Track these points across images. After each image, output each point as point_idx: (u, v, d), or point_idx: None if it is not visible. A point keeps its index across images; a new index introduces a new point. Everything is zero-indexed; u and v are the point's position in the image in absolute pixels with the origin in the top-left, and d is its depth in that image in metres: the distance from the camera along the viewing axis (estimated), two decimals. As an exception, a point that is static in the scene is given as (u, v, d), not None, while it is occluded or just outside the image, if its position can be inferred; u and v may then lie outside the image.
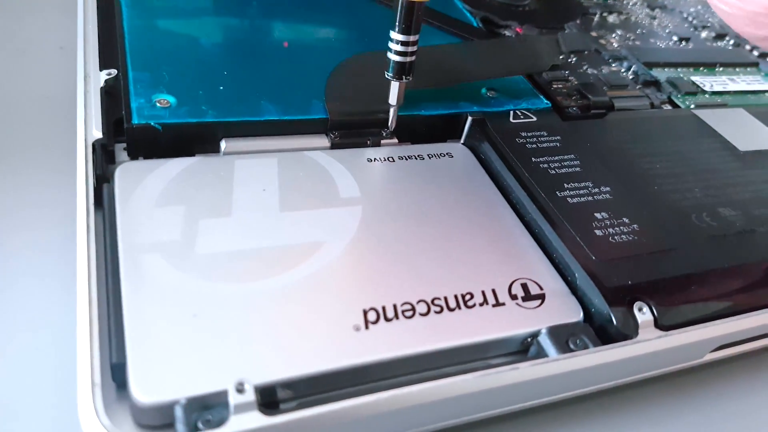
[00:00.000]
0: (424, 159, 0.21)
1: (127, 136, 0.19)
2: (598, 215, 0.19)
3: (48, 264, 0.18)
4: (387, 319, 0.15)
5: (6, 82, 0.24)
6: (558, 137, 0.22)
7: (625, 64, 0.29)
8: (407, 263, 0.17)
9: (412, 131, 0.22)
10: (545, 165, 0.21)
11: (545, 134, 0.22)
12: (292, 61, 0.23)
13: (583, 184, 0.20)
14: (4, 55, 0.26)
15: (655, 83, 0.28)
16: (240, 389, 0.13)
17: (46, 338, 0.16)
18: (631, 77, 0.28)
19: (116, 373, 0.13)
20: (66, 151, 0.21)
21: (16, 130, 0.23)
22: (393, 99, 0.21)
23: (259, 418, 0.13)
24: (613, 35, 0.32)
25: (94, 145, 0.18)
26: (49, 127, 0.23)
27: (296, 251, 0.17)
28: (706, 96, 0.29)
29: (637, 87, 0.28)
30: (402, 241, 0.18)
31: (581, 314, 0.17)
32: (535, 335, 0.16)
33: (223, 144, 0.20)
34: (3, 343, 0.16)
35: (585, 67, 0.28)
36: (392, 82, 0.20)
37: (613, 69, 0.28)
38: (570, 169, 0.21)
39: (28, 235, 0.19)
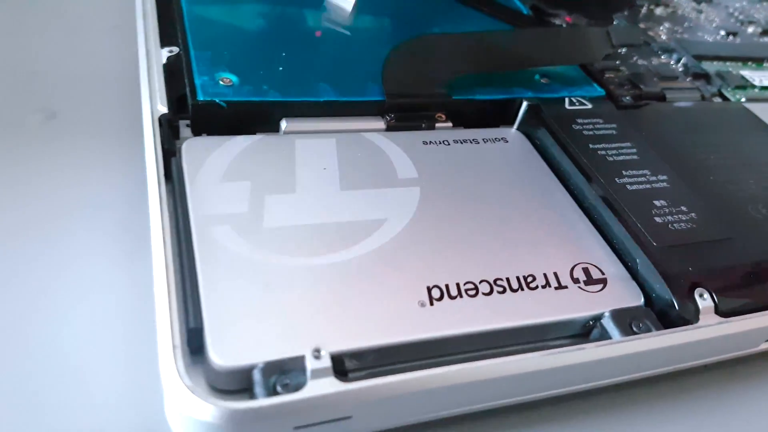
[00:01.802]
0: (479, 143, 0.21)
1: (191, 112, 0.19)
2: (656, 203, 0.19)
3: (112, 233, 0.19)
4: (451, 297, 0.16)
5: (63, 60, 0.25)
6: (614, 125, 0.22)
7: (675, 56, 0.29)
8: (468, 243, 0.17)
9: (465, 116, 0.22)
10: (603, 152, 0.21)
11: (601, 122, 0.22)
12: (349, 42, 0.23)
13: (641, 172, 0.20)
14: (59, 34, 0.27)
15: (705, 76, 0.28)
16: (316, 356, 0.13)
17: (112, 303, 0.17)
18: (680, 69, 0.28)
19: (192, 338, 0.14)
20: (123, 127, 0.22)
21: (75, 108, 0.23)
22: None
23: (335, 384, 0.13)
24: (661, 27, 0.31)
25: (160, 119, 0.19)
26: (108, 103, 0.23)
27: (359, 228, 0.17)
28: (756, 90, 0.29)
29: (687, 79, 0.27)
30: (461, 222, 0.18)
31: (642, 299, 0.17)
32: (597, 318, 0.16)
33: (283, 123, 0.20)
34: (74, 308, 0.16)
35: (635, 58, 0.27)
36: None
37: (663, 61, 0.28)
38: (627, 157, 0.21)
39: (91, 210, 0.19)
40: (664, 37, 0.30)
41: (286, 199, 0.17)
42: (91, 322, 0.16)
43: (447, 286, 0.16)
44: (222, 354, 0.13)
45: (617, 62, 0.27)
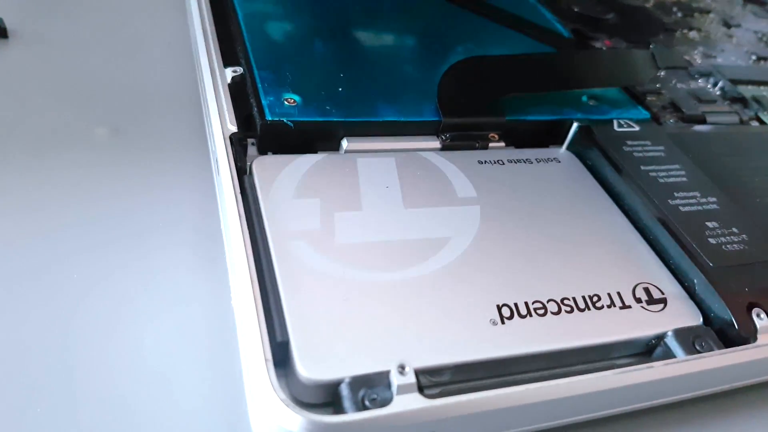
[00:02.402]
0: (532, 163, 0.22)
1: (260, 132, 0.20)
2: (709, 224, 0.20)
3: (184, 248, 0.19)
4: (521, 316, 0.16)
5: (120, 76, 0.26)
6: (662, 147, 0.23)
7: (712, 80, 0.29)
8: (532, 262, 0.18)
9: (517, 136, 0.23)
10: (654, 173, 0.21)
11: (649, 144, 0.23)
12: (405, 62, 0.24)
13: (691, 194, 0.21)
14: (115, 50, 0.27)
15: (742, 100, 0.29)
16: (401, 371, 0.14)
17: (194, 314, 0.17)
18: (718, 93, 0.29)
19: (278, 352, 0.14)
20: (186, 143, 0.23)
21: (138, 123, 0.24)
22: None
23: (420, 400, 0.13)
24: (695, 51, 0.32)
25: (231, 138, 0.19)
26: (167, 119, 0.24)
27: (426, 245, 0.17)
28: (791, 114, 0.29)
29: (726, 103, 0.28)
30: (523, 240, 0.18)
31: (701, 318, 0.17)
32: (660, 337, 0.17)
33: (344, 143, 0.20)
34: (157, 319, 0.17)
35: (674, 82, 0.28)
36: None
37: (701, 85, 0.29)
38: (677, 179, 0.21)
39: (165, 226, 0.20)
40: (699, 61, 0.31)
41: (354, 216, 0.18)
42: (170, 335, 0.17)
43: (516, 305, 0.16)
44: (309, 367, 0.14)
45: (658, 85, 0.27)
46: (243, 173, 0.19)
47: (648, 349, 0.17)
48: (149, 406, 0.15)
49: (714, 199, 0.21)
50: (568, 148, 0.23)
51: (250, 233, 0.17)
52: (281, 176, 0.19)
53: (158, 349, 0.16)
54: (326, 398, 0.14)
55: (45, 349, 0.15)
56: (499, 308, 0.16)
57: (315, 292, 0.15)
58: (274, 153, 0.20)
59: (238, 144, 0.19)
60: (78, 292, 0.17)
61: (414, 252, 0.17)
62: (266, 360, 0.13)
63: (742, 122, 0.27)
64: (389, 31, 0.26)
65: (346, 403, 0.13)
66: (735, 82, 0.30)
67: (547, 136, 0.23)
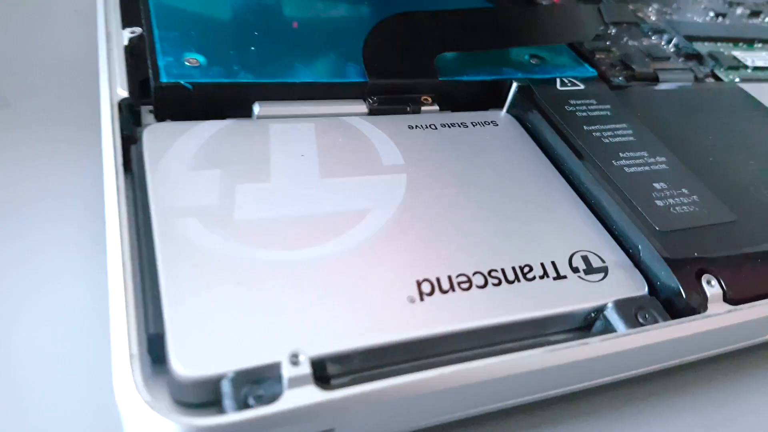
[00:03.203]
0: (468, 127, 0.20)
1: (154, 96, 0.17)
2: (656, 185, 0.18)
3: (71, 230, 0.17)
4: (442, 291, 0.14)
5: (22, 45, 0.23)
6: (608, 106, 0.21)
7: (665, 36, 0.28)
8: (459, 233, 0.16)
9: (452, 98, 0.21)
10: (598, 134, 0.19)
11: (594, 102, 0.21)
12: (328, 20, 0.21)
13: (638, 154, 0.19)
14: (19, 19, 0.25)
15: (697, 56, 0.27)
16: (294, 361, 0.12)
17: (71, 308, 0.15)
18: (672, 50, 0.27)
19: (153, 346, 0.12)
20: (84, 114, 0.20)
21: (35, 94, 0.21)
22: None
23: (315, 393, 0.11)
24: (650, 8, 0.30)
25: (119, 104, 0.17)
26: (68, 90, 0.21)
27: (341, 219, 0.15)
28: (749, 71, 0.28)
29: (680, 60, 0.26)
30: (452, 210, 0.16)
31: (646, 288, 0.16)
32: (600, 310, 0.15)
33: (256, 108, 0.18)
34: (28, 312, 0.15)
35: (625, 39, 0.26)
36: None
37: (654, 41, 0.27)
38: (623, 138, 0.20)
39: (50, 201, 0.17)
40: (653, 17, 0.29)
41: (259, 188, 0.16)
42: (46, 324, 0.14)
43: (438, 280, 0.14)
44: (186, 363, 0.12)
45: (608, 43, 0.25)
46: (132, 143, 0.16)
47: (587, 324, 0.15)
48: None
49: (663, 159, 0.19)
50: (508, 111, 0.21)
51: (134, 210, 0.15)
52: (176, 145, 0.16)
53: (25, 343, 0.14)
54: (210, 397, 0.12)
55: None
56: (418, 284, 0.14)
57: (202, 276, 0.13)
58: (174, 120, 0.18)
59: (127, 111, 0.17)
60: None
61: (326, 227, 0.15)
62: (131, 356, 0.11)
63: (697, 79, 0.25)
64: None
65: (227, 401, 0.11)
66: (690, 38, 0.28)
67: (486, 98, 0.22)
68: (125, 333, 0.12)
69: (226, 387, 0.11)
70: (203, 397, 0.12)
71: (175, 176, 0.15)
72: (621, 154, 0.19)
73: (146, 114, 0.18)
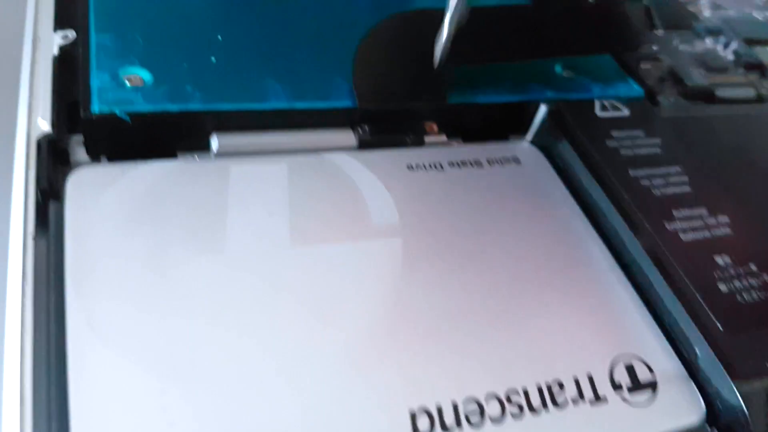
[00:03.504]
0: (482, 166, 0.16)
1: (83, 131, 0.14)
2: (719, 260, 0.14)
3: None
4: (445, 428, 0.11)
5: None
6: (657, 140, 0.17)
7: (722, 39, 0.23)
8: (467, 333, 0.12)
9: (464, 125, 0.17)
10: (646, 181, 0.15)
11: (641, 135, 0.17)
12: (308, 25, 0.17)
13: (696, 212, 0.15)
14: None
15: (759, 67, 0.23)
16: None
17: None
18: (730, 58, 0.23)
19: None
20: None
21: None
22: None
23: None
24: (702, 0, 0.26)
25: (39, 142, 0.13)
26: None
27: (310, 314, 0.12)
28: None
29: (739, 71, 0.22)
30: (458, 298, 0.13)
31: (703, 408, 0.12)
32: (646, 446, 0.12)
33: (214, 142, 0.14)
34: None
35: (675, 43, 0.22)
36: None
37: (708, 46, 0.23)
38: (677, 189, 0.16)
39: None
40: (707, 13, 0.25)
41: (211, 264, 0.12)
42: None
43: (440, 411, 0.11)
44: None
45: (654, 47, 0.21)
46: (53, 197, 0.13)
47: (628, 462, 0.12)
48: None
49: (726, 219, 0.15)
50: (533, 141, 0.17)
51: (44, 295, 0.11)
52: (105, 201, 0.13)
53: None
54: None
55: None
56: (413, 418, 0.11)
57: (125, 415, 0.10)
58: (111, 157, 0.14)
59: (49, 150, 0.13)
60: None
61: (291, 325, 0.12)
62: None
63: (760, 98, 0.21)
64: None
65: None
66: (751, 42, 0.24)
67: (505, 123, 0.17)
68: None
69: None
70: None
71: (103, 255, 0.12)
72: (675, 213, 0.15)
73: (76, 147, 0.14)
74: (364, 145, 0.16)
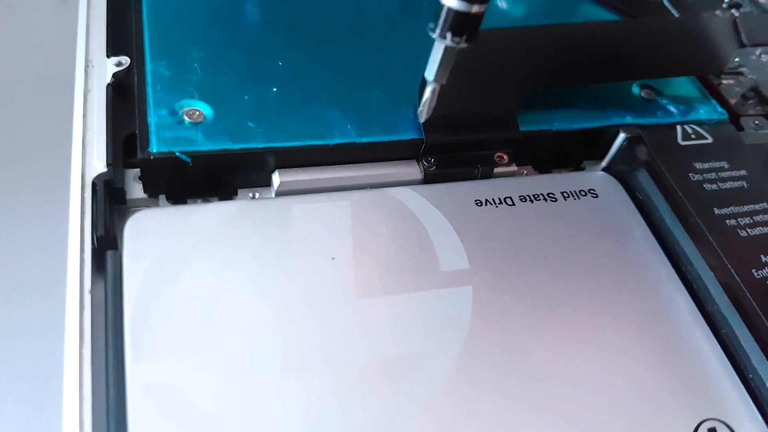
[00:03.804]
0: (556, 200, 0.15)
1: (141, 171, 0.13)
2: (815, 313, 0.13)
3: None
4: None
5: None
6: (743, 172, 0.16)
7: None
8: (543, 394, 0.11)
9: (536, 152, 0.16)
10: (733, 221, 0.14)
11: (726, 166, 0.16)
12: (372, 59, 0.16)
13: (788, 257, 0.14)
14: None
15: None
16: None
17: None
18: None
19: None
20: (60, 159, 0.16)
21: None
22: (431, 71, 0.13)
23: None
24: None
25: (94, 184, 0.13)
26: (44, 125, 0.17)
27: (379, 371, 0.11)
28: None
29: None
30: (534, 353, 0.12)
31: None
32: None
33: (275, 179, 0.14)
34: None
35: (758, 53, 0.20)
36: (437, 41, 0.13)
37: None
38: (766, 229, 0.14)
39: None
40: (790, 12, 0.23)
41: (274, 317, 0.12)
42: None
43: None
44: None
45: (737, 59, 0.19)
46: (110, 246, 0.12)
47: None
48: None
49: (820, 265, 0.14)
50: (610, 168, 0.16)
51: (105, 342, 0.11)
52: (166, 246, 0.12)
53: None
54: None
55: None
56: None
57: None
58: (169, 195, 0.14)
59: (105, 193, 0.13)
60: None
61: (358, 386, 0.11)
62: None
63: None
64: (346, 9, 0.17)
65: None
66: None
67: (581, 150, 0.16)
68: None
69: None
70: None
71: (161, 308, 0.11)
72: (763, 258, 0.14)
73: (133, 183, 0.14)
74: (429, 178, 0.15)
